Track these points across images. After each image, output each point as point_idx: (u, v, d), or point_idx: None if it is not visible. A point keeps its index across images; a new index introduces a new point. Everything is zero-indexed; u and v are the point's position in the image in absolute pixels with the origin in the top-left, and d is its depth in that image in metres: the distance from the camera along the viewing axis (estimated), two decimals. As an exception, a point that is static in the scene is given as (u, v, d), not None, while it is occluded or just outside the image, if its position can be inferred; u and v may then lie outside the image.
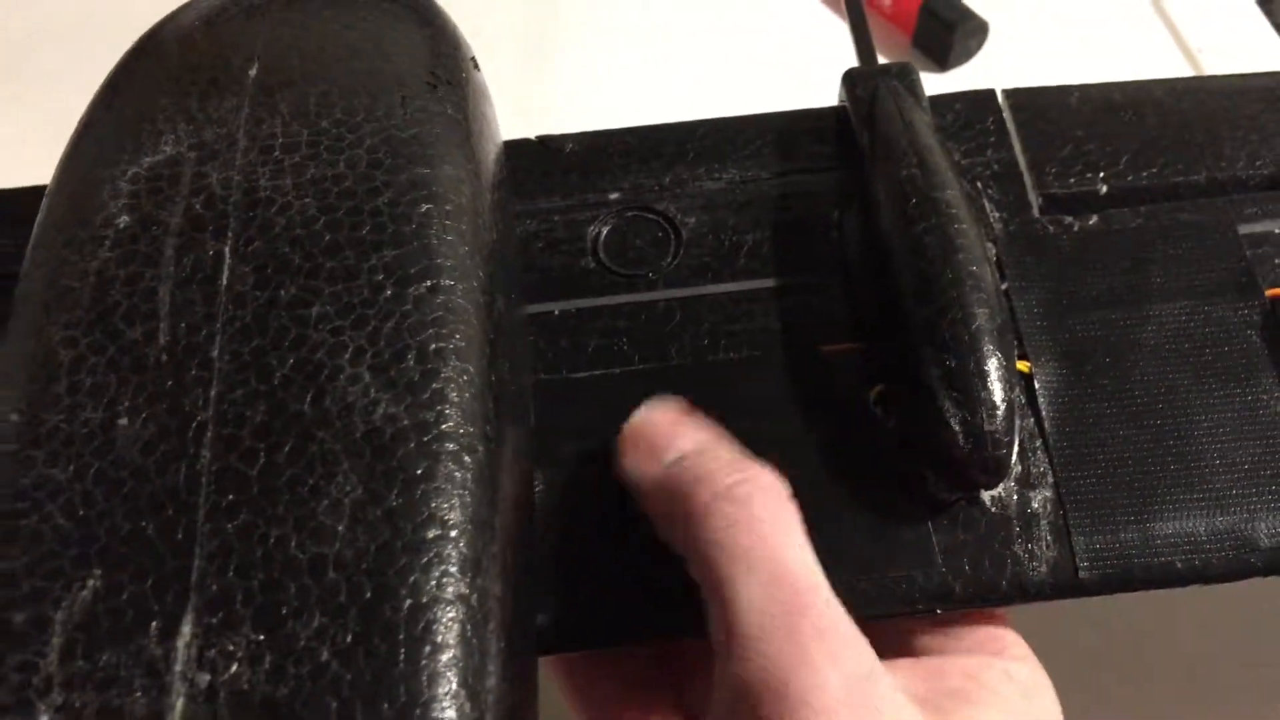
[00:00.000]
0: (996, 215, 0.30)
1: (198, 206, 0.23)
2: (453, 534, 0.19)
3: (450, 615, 0.18)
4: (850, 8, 0.35)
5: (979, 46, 0.52)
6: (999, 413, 0.25)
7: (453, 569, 0.19)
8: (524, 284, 0.30)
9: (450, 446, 0.20)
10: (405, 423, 0.20)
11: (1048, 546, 0.26)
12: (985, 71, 0.51)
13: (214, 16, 0.28)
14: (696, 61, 0.53)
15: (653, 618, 0.26)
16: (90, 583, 0.19)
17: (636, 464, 0.25)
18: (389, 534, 0.19)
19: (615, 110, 0.47)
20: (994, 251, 0.29)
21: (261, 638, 0.18)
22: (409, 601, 0.18)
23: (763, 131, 0.32)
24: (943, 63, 0.52)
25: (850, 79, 0.32)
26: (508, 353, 0.23)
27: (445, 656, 0.18)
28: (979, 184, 0.31)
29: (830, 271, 0.29)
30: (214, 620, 0.18)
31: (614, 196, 0.31)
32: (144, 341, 0.21)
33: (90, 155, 0.25)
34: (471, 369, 0.21)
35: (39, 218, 0.24)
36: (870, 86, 0.31)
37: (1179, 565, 0.25)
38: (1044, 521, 0.26)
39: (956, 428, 0.25)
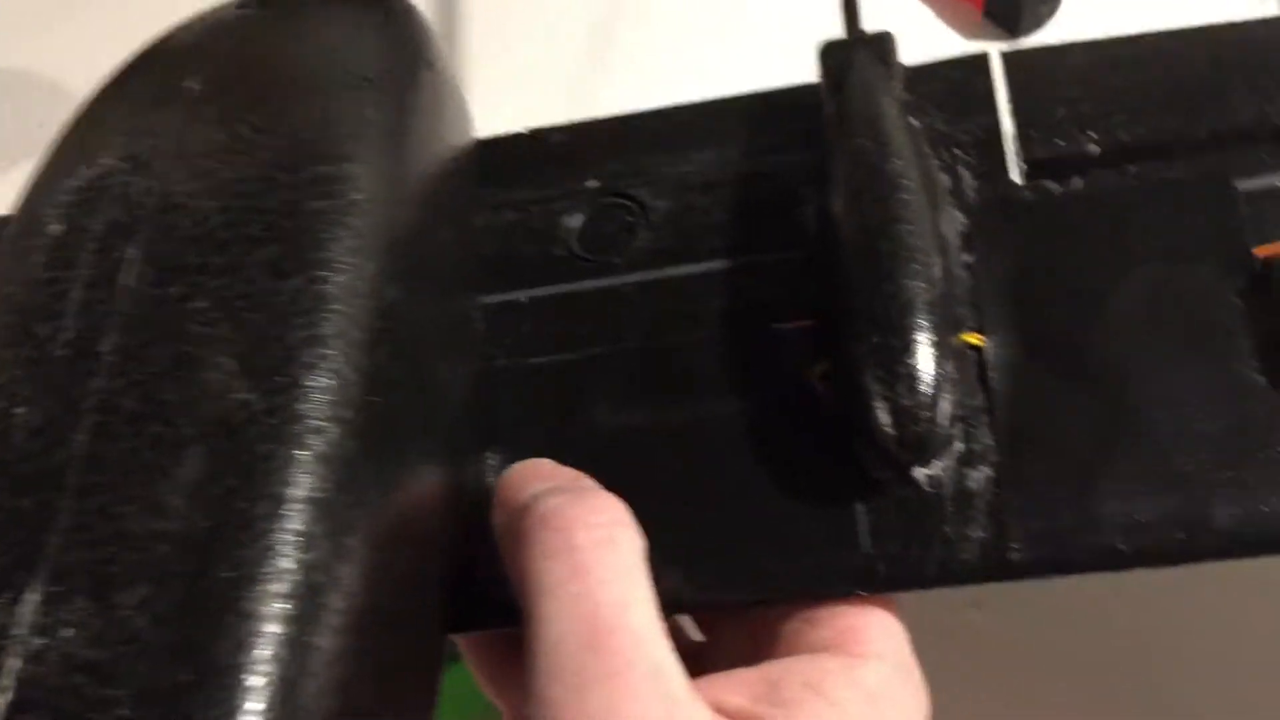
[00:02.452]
0: (973, 184, 0.29)
1: (117, 213, 0.24)
2: (285, 511, 0.20)
3: (264, 589, 0.19)
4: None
5: (1051, 13, 0.50)
6: (922, 388, 0.24)
7: (277, 545, 0.19)
8: (498, 274, 0.31)
9: (296, 429, 0.21)
10: (257, 407, 0.21)
11: (980, 527, 0.25)
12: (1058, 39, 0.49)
13: (179, 32, 0.29)
14: (712, 42, 0.52)
15: None
16: None
17: (502, 507, 0.25)
18: (223, 512, 0.20)
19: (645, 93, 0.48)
20: (963, 223, 0.28)
21: (90, 606, 0.19)
22: (225, 574, 0.19)
23: (740, 112, 0.32)
24: (1014, 30, 0.50)
25: (824, 50, 0.31)
26: (406, 342, 0.24)
27: (250, 627, 0.19)
28: (957, 151, 0.29)
29: (794, 249, 0.29)
30: (55, 590, 0.19)
31: (591, 184, 0.32)
32: (50, 338, 0.23)
33: (46, 171, 0.27)
34: (334, 355, 0.22)
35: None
36: (843, 57, 0.30)
37: (1122, 547, 0.24)
38: (979, 501, 0.25)
39: (878, 403, 0.24)
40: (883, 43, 0.30)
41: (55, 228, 0.25)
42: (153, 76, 0.28)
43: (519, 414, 0.29)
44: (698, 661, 0.28)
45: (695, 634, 0.30)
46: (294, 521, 0.20)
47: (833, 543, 0.25)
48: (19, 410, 0.22)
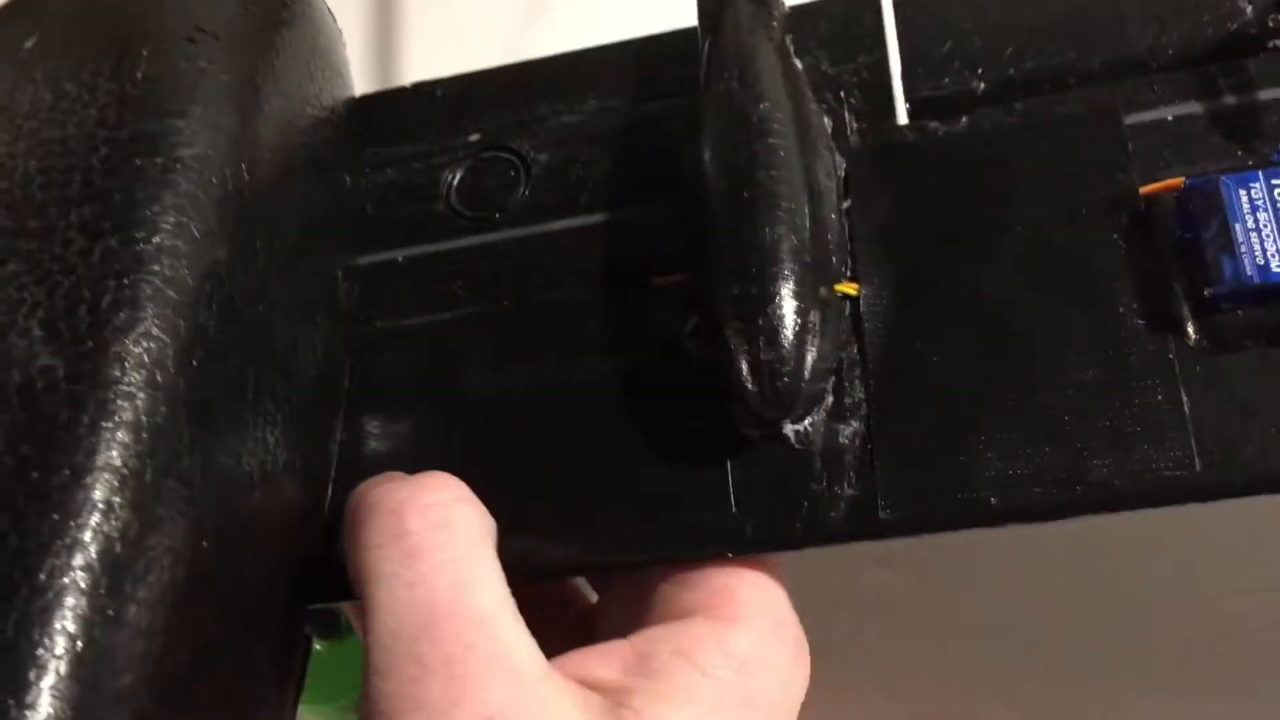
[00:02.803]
0: (856, 127, 0.28)
1: None
2: (83, 479, 0.19)
3: (57, 561, 0.18)
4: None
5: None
6: (783, 341, 0.23)
7: (73, 514, 0.18)
8: (377, 234, 0.30)
9: (101, 395, 0.20)
10: (59, 374, 0.20)
11: (849, 485, 0.24)
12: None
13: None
14: None
15: None
16: None
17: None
18: (13, 482, 0.19)
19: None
20: (843, 167, 0.27)
21: None
22: (15, 545, 0.18)
23: (625, 58, 0.31)
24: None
25: None
26: (239, 303, 0.23)
27: (41, 600, 0.18)
28: (842, 93, 0.28)
29: (666, 203, 0.28)
30: None
31: (474, 138, 0.31)
32: None
33: None
34: (147, 318, 0.21)
35: None
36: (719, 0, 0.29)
37: (994, 502, 0.23)
38: (849, 457, 0.24)
39: (739, 358, 0.23)
40: None
41: None
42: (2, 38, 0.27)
43: (395, 377, 0.28)
44: (588, 626, 0.27)
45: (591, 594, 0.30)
46: (94, 491, 0.19)
47: (701, 503, 0.24)
48: None
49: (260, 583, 0.23)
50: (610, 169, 0.29)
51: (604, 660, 0.23)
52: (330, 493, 0.26)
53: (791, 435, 0.24)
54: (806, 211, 0.24)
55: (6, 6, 0.28)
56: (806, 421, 0.24)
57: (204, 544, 0.20)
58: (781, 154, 0.25)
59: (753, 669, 0.23)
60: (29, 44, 0.26)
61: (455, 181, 0.30)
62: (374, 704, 0.21)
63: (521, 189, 0.29)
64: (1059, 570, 0.35)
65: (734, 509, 0.24)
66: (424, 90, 0.32)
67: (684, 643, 0.23)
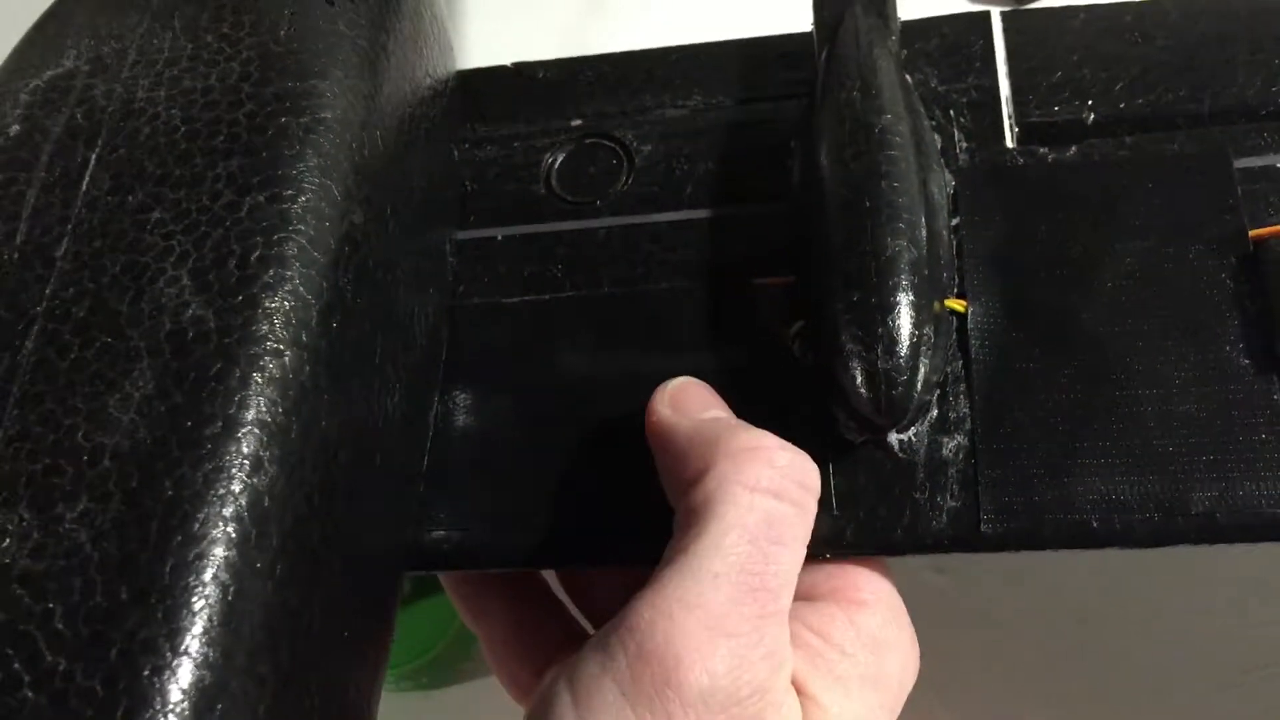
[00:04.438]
0: (966, 145, 0.28)
1: (79, 116, 0.23)
2: (235, 433, 0.19)
3: (211, 511, 0.18)
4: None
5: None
6: (900, 351, 0.23)
7: (226, 467, 0.19)
8: (475, 209, 0.30)
9: (252, 350, 0.20)
10: (210, 325, 0.20)
11: (952, 496, 0.24)
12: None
13: None
14: None
15: (569, 544, 0.26)
16: None
17: (675, 411, 0.25)
18: (167, 429, 0.19)
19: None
20: (951, 184, 0.27)
21: (31, 517, 0.18)
22: (170, 493, 0.18)
23: (733, 57, 0.31)
24: None
25: (819, 0, 0.30)
26: (370, 268, 0.23)
27: (195, 549, 0.18)
28: (951, 112, 0.29)
29: (779, 203, 0.28)
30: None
31: (576, 123, 0.31)
32: (4, 241, 0.22)
33: (8, 70, 0.26)
34: (294, 277, 0.21)
35: None
36: (838, 8, 0.29)
37: (1096, 525, 0.23)
38: (952, 470, 0.24)
39: (854, 364, 0.24)
40: None
41: (14, 128, 0.24)
42: None
43: (487, 353, 0.28)
44: None
45: None
46: (244, 444, 0.19)
47: None
48: None
49: (375, 546, 0.23)
50: (714, 165, 0.29)
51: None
52: (425, 464, 0.26)
53: (895, 444, 0.24)
54: (923, 225, 0.25)
55: None
56: (911, 432, 0.24)
57: (337, 503, 0.21)
58: (902, 166, 0.25)
59: (882, 649, 0.23)
60: None
61: (556, 165, 0.30)
62: (704, 596, 0.21)
63: (624, 178, 0.30)
64: (1117, 583, 0.35)
65: (835, 510, 0.24)
66: (526, 70, 0.32)
67: (818, 622, 0.23)
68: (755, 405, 0.26)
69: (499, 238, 0.29)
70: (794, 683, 0.22)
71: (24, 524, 0.18)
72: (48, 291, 0.21)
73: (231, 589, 0.18)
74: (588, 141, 0.30)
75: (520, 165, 0.30)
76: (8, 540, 0.18)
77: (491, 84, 0.32)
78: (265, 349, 0.20)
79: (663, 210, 0.29)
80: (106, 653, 0.17)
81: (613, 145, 0.30)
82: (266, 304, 0.20)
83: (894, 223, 0.24)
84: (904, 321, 0.24)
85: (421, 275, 0.26)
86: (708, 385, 0.25)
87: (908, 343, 0.23)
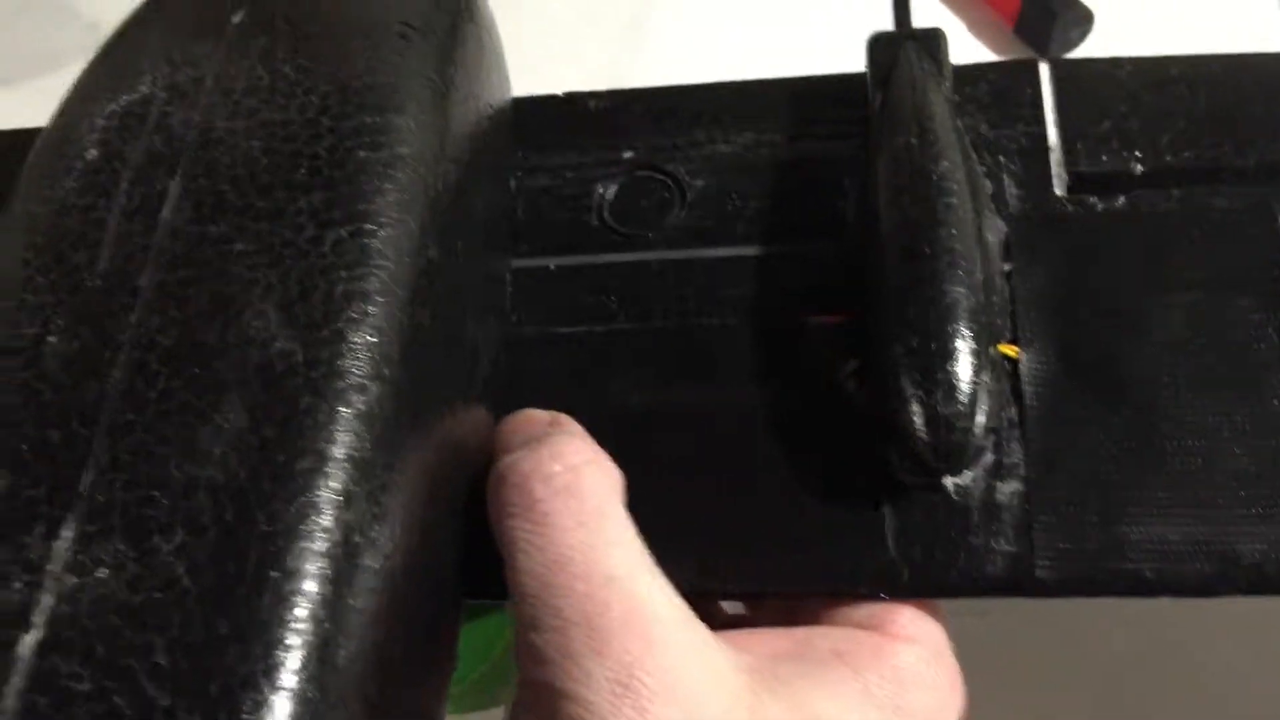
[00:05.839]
0: (1016, 192, 0.28)
1: (157, 144, 0.24)
2: (325, 467, 0.19)
3: (304, 546, 0.18)
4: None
5: (1082, 37, 0.49)
6: (960, 396, 0.24)
7: (317, 502, 0.19)
8: (527, 238, 0.30)
9: (339, 384, 0.20)
10: (298, 358, 0.20)
11: (1007, 541, 0.24)
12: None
13: None
14: (747, 20, 0.51)
15: None
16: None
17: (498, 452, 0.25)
18: (259, 462, 0.19)
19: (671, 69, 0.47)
20: (1003, 230, 0.28)
21: (128, 548, 0.18)
22: (265, 528, 0.18)
23: (784, 95, 0.31)
24: (1042, 50, 0.49)
25: (873, 42, 0.30)
26: (444, 301, 0.23)
27: (291, 584, 0.18)
28: (1001, 158, 0.29)
29: (826, 243, 0.28)
30: (92, 529, 0.19)
31: (627, 155, 0.31)
32: (84, 266, 0.22)
33: (79, 94, 0.26)
34: (378, 312, 0.21)
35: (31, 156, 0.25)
36: (892, 51, 0.30)
37: (1148, 574, 0.24)
38: (1007, 514, 0.24)
39: (914, 408, 0.24)
40: (933, 40, 0.30)
41: (91, 153, 0.24)
42: (193, 5, 0.27)
43: (539, 382, 0.28)
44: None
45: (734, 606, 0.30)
46: (334, 479, 0.19)
47: (856, 543, 0.25)
48: (52, 339, 0.21)
49: (447, 576, 0.23)
50: (766, 202, 0.29)
51: (758, 639, 0.24)
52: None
53: (950, 487, 0.25)
54: (980, 271, 0.25)
55: None
56: (967, 476, 0.25)
57: (415, 536, 0.21)
58: (960, 213, 0.26)
59: (909, 685, 0.23)
60: (236, 19, 0.26)
61: (608, 196, 0.30)
62: (527, 654, 0.21)
63: (676, 211, 0.30)
64: (1162, 633, 0.36)
65: (891, 552, 0.24)
66: (575, 100, 0.32)
67: (843, 644, 0.24)
68: (806, 443, 0.26)
69: (551, 267, 0.30)
70: (781, 680, 0.22)
71: (120, 555, 0.18)
72: (133, 319, 0.21)
73: (325, 624, 0.18)
74: (639, 174, 0.31)
75: (571, 195, 0.31)
76: (105, 571, 0.18)
77: (542, 113, 0.32)
78: (352, 383, 0.20)
79: (715, 245, 0.29)
80: (206, 688, 0.17)
81: (664, 178, 0.30)
82: (352, 338, 0.20)
83: (954, 269, 0.25)
84: (963, 367, 0.24)
85: (484, 305, 0.26)
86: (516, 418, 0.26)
87: (967, 388, 0.24)
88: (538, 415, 0.26)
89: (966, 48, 0.50)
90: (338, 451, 0.19)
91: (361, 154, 0.23)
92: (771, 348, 0.27)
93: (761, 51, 0.49)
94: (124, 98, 0.25)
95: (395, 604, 0.20)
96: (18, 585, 0.18)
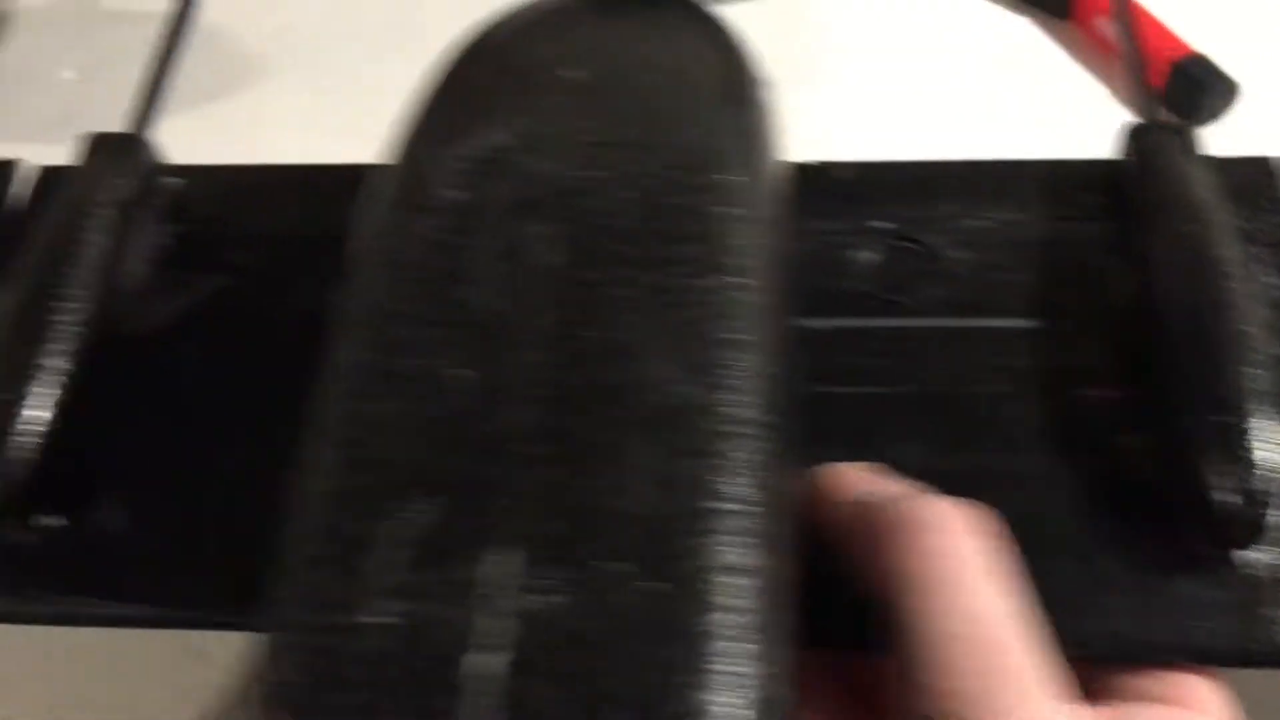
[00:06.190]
0: (1275, 281, 0.30)
1: (519, 189, 0.25)
2: (736, 509, 0.21)
3: (739, 583, 0.20)
4: (1131, 64, 0.36)
5: (1225, 108, 0.51)
6: (1262, 473, 0.25)
7: (740, 543, 0.20)
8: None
9: (734, 430, 0.21)
10: (697, 402, 0.22)
11: None
12: (1228, 135, 0.51)
13: (536, 25, 0.30)
14: (950, 95, 0.53)
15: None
16: (427, 507, 0.21)
17: (830, 498, 0.26)
18: (684, 501, 0.21)
19: (871, 137, 0.48)
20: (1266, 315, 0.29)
21: (576, 576, 0.20)
22: (697, 563, 0.20)
23: (1032, 177, 0.33)
24: (1189, 120, 0.51)
25: (1132, 133, 0.32)
26: (788, 354, 0.25)
27: (735, 619, 0.19)
28: (1253, 247, 0.31)
29: (1091, 319, 0.30)
30: (539, 555, 0.20)
31: (879, 225, 0.33)
32: (464, 303, 0.23)
33: (421, 138, 0.27)
34: (756, 361, 0.22)
35: (370, 191, 0.27)
36: (1151, 142, 0.31)
37: None
38: None
39: (1220, 484, 0.25)
40: (1188, 133, 0.32)
41: (451, 194, 0.25)
42: (512, 60, 0.29)
43: (811, 440, 0.30)
44: None
45: None
46: (742, 520, 0.21)
47: (1149, 612, 0.26)
48: (450, 371, 0.22)
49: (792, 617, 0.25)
50: (1027, 278, 0.31)
51: (1093, 714, 0.24)
52: None
53: (1241, 560, 0.26)
54: (1268, 351, 0.27)
55: (506, 32, 0.30)
56: (1258, 549, 0.26)
57: (783, 578, 0.22)
58: (1244, 296, 0.27)
59: None
60: (568, 73, 0.27)
61: (867, 262, 0.32)
62: (923, 688, 0.22)
63: (935, 282, 0.31)
64: None
65: (1183, 621, 0.26)
66: (825, 169, 0.34)
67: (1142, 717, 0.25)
68: (1084, 510, 0.27)
69: (816, 327, 0.31)
70: None
71: (569, 583, 0.20)
72: (531, 359, 0.23)
73: (757, 660, 0.19)
74: (894, 243, 0.32)
75: (826, 260, 0.32)
76: (559, 597, 0.20)
77: (797, 178, 0.34)
78: (742, 430, 0.22)
79: (977, 316, 0.31)
80: (662, 715, 0.19)
81: (919, 248, 0.32)
82: (737, 385, 0.22)
83: (1249, 352, 0.26)
84: (1264, 445, 0.25)
85: (795, 358, 0.28)
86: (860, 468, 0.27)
87: (1268, 464, 0.25)
88: (858, 468, 0.27)
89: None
90: (742, 493, 0.21)
91: (719, 209, 0.24)
92: (1046, 418, 0.29)
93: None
94: (474, 142, 0.26)
95: (780, 648, 0.21)
96: (468, 607, 0.20)
